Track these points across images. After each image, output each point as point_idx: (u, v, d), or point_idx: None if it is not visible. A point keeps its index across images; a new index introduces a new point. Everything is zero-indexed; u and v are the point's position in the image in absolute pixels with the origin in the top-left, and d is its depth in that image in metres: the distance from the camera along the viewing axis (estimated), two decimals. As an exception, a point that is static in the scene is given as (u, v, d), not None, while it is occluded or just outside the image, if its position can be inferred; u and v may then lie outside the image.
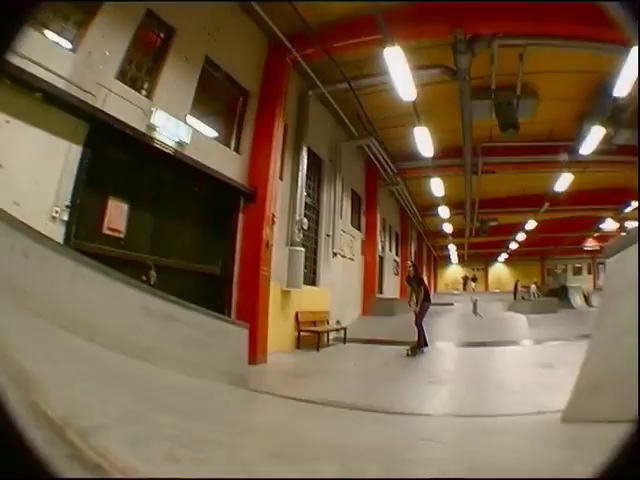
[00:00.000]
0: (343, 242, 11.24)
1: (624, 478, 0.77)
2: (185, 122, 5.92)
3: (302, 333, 7.97)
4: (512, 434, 2.67)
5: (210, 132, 6.78)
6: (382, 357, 7.06)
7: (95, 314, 3.09)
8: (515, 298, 19.12)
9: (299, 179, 8.36)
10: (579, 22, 6.45)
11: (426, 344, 7.27)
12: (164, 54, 5.77)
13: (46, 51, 4.27)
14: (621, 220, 19.11)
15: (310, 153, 8.93)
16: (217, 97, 7.07)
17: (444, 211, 17.08)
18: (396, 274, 18.17)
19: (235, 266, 6.78)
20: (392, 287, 17.31)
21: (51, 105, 4.28)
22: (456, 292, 28.50)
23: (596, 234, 24.74)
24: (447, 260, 32.81)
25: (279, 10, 6.66)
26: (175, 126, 5.68)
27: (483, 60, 7.83)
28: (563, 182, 13.46)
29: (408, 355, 6.96)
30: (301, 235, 8.20)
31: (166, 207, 5.96)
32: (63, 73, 4.41)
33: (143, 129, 5.28)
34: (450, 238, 24.72)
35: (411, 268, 7.83)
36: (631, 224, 17.35)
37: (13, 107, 3.96)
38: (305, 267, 8.39)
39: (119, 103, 4.97)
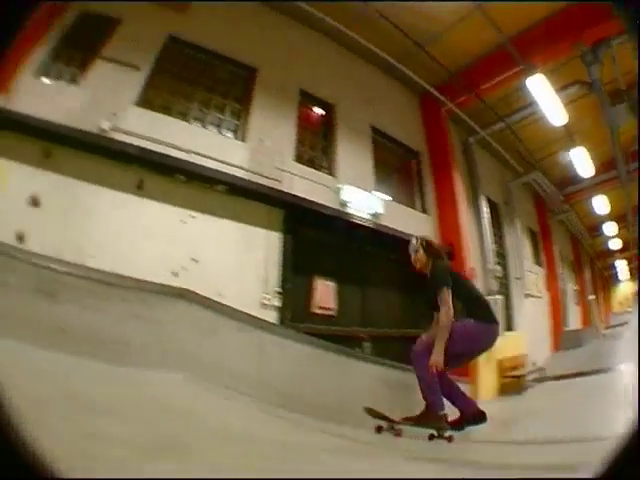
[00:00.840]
0: (529, 281, 10.98)
1: (624, 478, 0.77)
2: (373, 193, 5.87)
3: (504, 380, 7.41)
4: None
5: (396, 197, 6.73)
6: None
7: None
8: None
9: (483, 227, 8.25)
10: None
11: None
12: (332, 129, 5.88)
13: (219, 144, 4.37)
14: None
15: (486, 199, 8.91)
16: (391, 163, 7.20)
17: (609, 228, 15.91)
18: (577, 304, 17.10)
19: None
20: (575, 318, 16.01)
21: (238, 196, 4.29)
22: (629, 310, 24.71)
23: None
24: (616, 278, 29.81)
25: (415, 62, 6.69)
26: (365, 198, 5.68)
27: (606, 63, 7.10)
28: None
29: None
30: (497, 283, 8.06)
31: (370, 278, 5.92)
32: (241, 164, 4.46)
33: (336, 206, 5.26)
34: (618, 254, 22.43)
35: None
36: None
37: (196, 202, 3.99)
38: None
39: (306, 185, 4.98)
